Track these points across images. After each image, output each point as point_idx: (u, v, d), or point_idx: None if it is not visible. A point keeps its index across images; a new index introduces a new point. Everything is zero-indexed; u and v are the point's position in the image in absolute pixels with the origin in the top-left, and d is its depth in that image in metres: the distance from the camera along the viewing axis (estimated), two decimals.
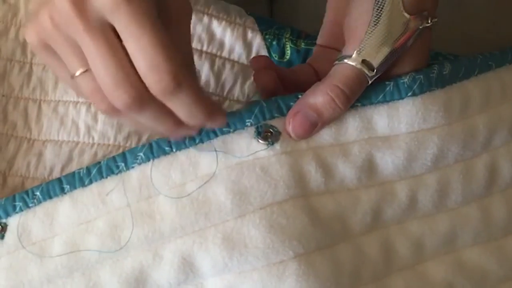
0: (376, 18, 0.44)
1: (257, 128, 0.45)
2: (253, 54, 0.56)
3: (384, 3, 0.44)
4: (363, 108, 0.46)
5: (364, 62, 0.44)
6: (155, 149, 0.45)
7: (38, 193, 0.46)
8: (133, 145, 0.53)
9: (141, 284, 0.44)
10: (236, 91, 0.56)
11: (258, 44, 0.56)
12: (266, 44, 0.56)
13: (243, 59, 0.56)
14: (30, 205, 0.46)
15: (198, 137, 0.45)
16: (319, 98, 0.44)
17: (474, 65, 0.49)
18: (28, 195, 0.46)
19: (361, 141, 0.46)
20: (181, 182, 0.44)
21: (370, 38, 0.44)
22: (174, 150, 0.45)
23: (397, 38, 0.44)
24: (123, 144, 0.53)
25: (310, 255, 0.43)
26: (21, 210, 0.46)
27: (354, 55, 0.44)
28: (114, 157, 0.45)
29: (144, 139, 0.53)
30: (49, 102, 0.55)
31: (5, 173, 0.53)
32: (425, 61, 0.47)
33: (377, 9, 0.44)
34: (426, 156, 0.47)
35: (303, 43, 0.56)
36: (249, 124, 0.45)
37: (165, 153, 0.45)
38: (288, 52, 0.56)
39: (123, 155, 0.45)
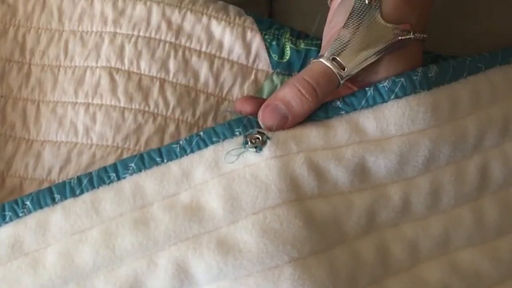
0: (349, 21, 0.47)
1: (245, 136, 0.46)
2: (253, 55, 0.56)
3: (359, 8, 0.47)
4: (348, 114, 0.47)
5: (334, 60, 0.46)
6: (147, 160, 0.46)
7: (28, 203, 0.45)
8: (131, 146, 0.53)
9: None
10: (235, 92, 0.56)
11: (257, 44, 0.56)
12: (265, 44, 0.56)
13: (243, 60, 0.56)
14: (20, 215, 0.45)
15: (189, 147, 0.46)
16: (286, 89, 0.46)
17: (463, 67, 0.50)
18: (18, 204, 0.45)
19: (353, 145, 0.46)
20: (175, 192, 0.45)
21: (341, 38, 0.46)
22: (165, 161, 0.46)
23: (372, 43, 0.46)
24: (121, 145, 0.53)
25: (305, 259, 0.43)
26: (11, 220, 0.45)
27: (325, 54, 0.46)
28: (105, 168, 0.46)
29: (142, 140, 0.53)
30: (48, 103, 0.55)
31: (3, 173, 0.53)
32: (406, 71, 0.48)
33: (352, 14, 0.47)
34: (418, 158, 0.47)
35: (302, 43, 0.56)
36: (238, 133, 0.46)
37: (156, 163, 0.46)
38: (288, 52, 0.56)
39: (114, 165, 0.46)
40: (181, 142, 0.46)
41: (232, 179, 0.45)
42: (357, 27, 0.47)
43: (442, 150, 0.48)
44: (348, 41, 0.46)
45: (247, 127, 0.46)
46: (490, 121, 0.50)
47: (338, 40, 0.47)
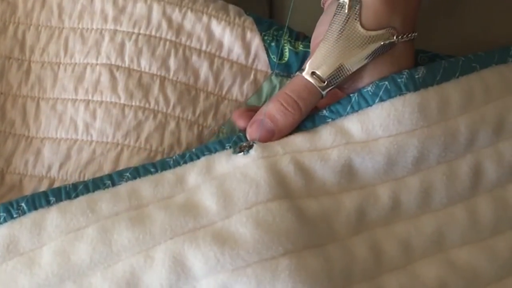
0: (328, 33, 0.48)
1: (234, 149, 0.48)
2: (252, 55, 0.56)
3: (339, 19, 0.48)
4: (334, 121, 0.49)
5: (314, 74, 0.48)
6: (141, 170, 0.48)
7: (23, 204, 0.46)
8: (132, 143, 0.53)
9: None
10: (235, 91, 0.56)
11: (256, 45, 0.56)
12: (264, 45, 0.56)
13: (242, 60, 0.56)
14: (15, 216, 0.45)
15: (182, 160, 0.48)
16: (271, 105, 0.49)
17: (455, 67, 0.50)
18: (12, 206, 0.46)
19: (339, 147, 0.47)
20: (169, 195, 0.47)
21: (320, 52, 0.48)
22: (159, 171, 0.48)
23: (352, 52, 0.48)
24: (121, 142, 0.53)
25: (300, 252, 0.44)
26: (5, 221, 0.45)
27: (306, 68, 0.48)
28: (100, 177, 0.47)
29: (142, 137, 0.53)
30: (48, 100, 0.55)
31: (3, 170, 0.53)
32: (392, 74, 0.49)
33: (331, 25, 0.48)
34: (407, 159, 0.48)
35: (301, 45, 0.56)
36: (228, 147, 0.48)
37: (151, 173, 0.48)
38: (287, 54, 0.56)
39: (110, 175, 0.47)
40: (174, 157, 0.48)
41: (223, 179, 0.46)
42: (336, 39, 0.48)
43: (432, 150, 0.48)
44: (328, 54, 0.48)
45: (237, 142, 0.49)
46: (483, 120, 0.50)
47: (318, 53, 0.48)
